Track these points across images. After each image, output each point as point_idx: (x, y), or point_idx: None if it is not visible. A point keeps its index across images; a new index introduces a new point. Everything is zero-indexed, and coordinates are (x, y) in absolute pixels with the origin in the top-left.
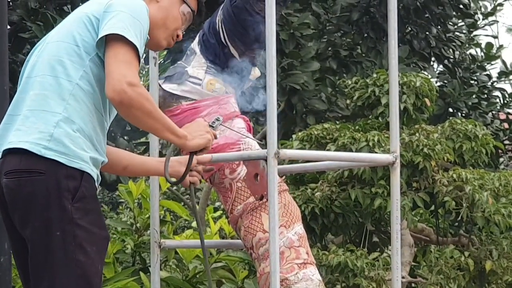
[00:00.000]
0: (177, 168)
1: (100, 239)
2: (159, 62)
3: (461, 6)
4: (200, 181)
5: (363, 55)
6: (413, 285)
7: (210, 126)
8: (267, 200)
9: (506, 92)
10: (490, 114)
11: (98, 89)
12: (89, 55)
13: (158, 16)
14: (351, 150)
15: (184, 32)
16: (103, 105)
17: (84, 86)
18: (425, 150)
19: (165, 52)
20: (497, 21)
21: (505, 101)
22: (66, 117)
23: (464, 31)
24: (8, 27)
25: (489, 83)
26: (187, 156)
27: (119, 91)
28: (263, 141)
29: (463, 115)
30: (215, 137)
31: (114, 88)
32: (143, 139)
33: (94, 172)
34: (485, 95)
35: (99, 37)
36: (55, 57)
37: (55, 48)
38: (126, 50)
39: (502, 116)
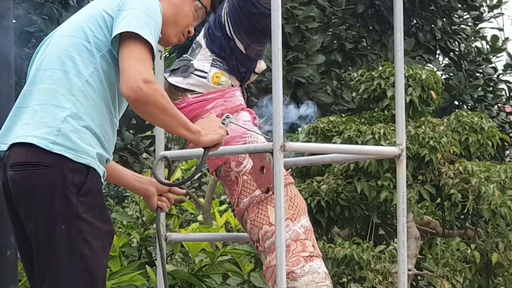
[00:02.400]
0: (146, 186)
1: (104, 233)
2: (165, 55)
3: None
4: (168, 207)
5: (368, 48)
6: (419, 277)
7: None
8: (273, 193)
9: None
10: (495, 106)
11: (107, 87)
12: (100, 52)
13: (169, 13)
14: (357, 143)
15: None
16: (113, 103)
17: (93, 83)
18: (431, 142)
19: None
20: (503, 14)
21: (511, 94)
22: (75, 113)
23: (469, 24)
24: (14, 20)
25: (495, 76)
26: (152, 179)
27: (135, 88)
28: (268, 135)
29: (469, 107)
30: (227, 133)
31: (129, 86)
32: (149, 133)
33: (101, 168)
34: (491, 88)
35: (113, 35)
36: (65, 51)
37: (65, 42)
38: (141, 47)
39: (508, 108)
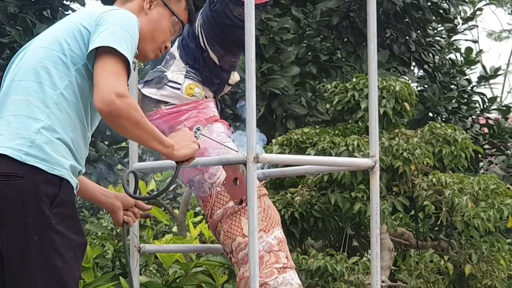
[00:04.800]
0: (112, 200)
1: (77, 245)
2: (138, 67)
3: (441, 11)
4: (134, 221)
5: (343, 59)
6: None
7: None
8: (246, 204)
9: (486, 96)
10: (470, 118)
11: (81, 100)
12: (75, 66)
13: (146, 29)
14: (330, 155)
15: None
16: (86, 116)
17: (68, 96)
18: (405, 154)
19: None
20: (477, 26)
21: (485, 106)
22: (49, 125)
23: (444, 36)
24: None
25: (469, 88)
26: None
27: (108, 102)
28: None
29: (443, 119)
30: (199, 147)
31: (102, 99)
32: (123, 144)
33: (74, 180)
34: (465, 100)
35: (90, 49)
36: (41, 63)
37: (41, 54)
38: (116, 61)
39: (482, 120)
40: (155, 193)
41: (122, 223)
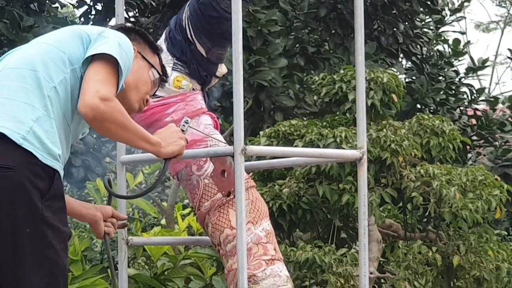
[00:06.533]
0: (92, 212)
1: (66, 236)
2: None
3: (429, 2)
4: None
5: (331, 51)
6: (382, 280)
7: (181, 130)
8: (234, 196)
9: (474, 88)
10: (458, 110)
11: (71, 100)
12: (72, 65)
13: (130, 79)
14: (318, 146)
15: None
16: (72, 117)
17: (60, 92)
18: (393, 146)
19: None
20: (465, 17)
21: (473, 97)
22: (46, 115)
23: (431, 27)
24: None
25: (457, 79)
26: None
27: (91, 106)
28: (231, 138)
29: (431, 111)
30: (187, 142)
31: (86, 103)
32: None
33: (62, 170)
34: (453, 91)
35: (88, 54)
36: (39, 55)
37: (42, 49)
38: (108, 71)
39: (470, 112)
40: (143, 188)
41: (104, 234)
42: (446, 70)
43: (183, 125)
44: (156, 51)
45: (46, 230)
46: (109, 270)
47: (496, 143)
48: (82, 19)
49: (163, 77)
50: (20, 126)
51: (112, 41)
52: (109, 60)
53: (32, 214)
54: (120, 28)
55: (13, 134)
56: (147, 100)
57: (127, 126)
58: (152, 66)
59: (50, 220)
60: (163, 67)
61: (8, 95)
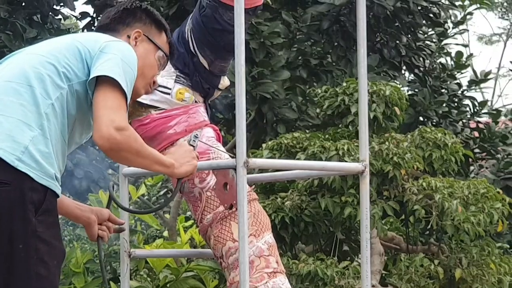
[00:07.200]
0: (87, 214)
1: (60, 252)
2: None
3: (431, 15)
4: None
5: (333, 64)
6: None
7: (190, 145)
8: (236, 209)
9: (476, 100)
10: (460, 122)
11: (67, 116)
12: (69, 81)
13: (138, 65)
14: (321, 159)
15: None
16: (69, 133)
17: (57, 108)
18: (395, 158)
19: None
20: (467, 30)
21: (475, 110)
22: (42, 135)
23: (434, 40)
24: None
25: (459, 92)
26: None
27: (107, 137)
28: (234, 151)
29: (434, 123)
30: (198, 158)
31: (102, 135)
32: None
33: (58, 188)
34: (456, 104)
35: (93, 75)
36: (35, 68)
37: (36, 60)
38: (116, 95)
39: (473, 124)
40: (146, 200)
41: (97, 237)
42: (448, 82)
43: (193, 140)
44: (163, 27)
45: (38, 245)
46: (111, 282)
47: (499, 156)
48: (85, 30)
49: (168, 56)
50: (15, 147)
51: (114, 58)
52: (115, 81)
53: (26, 230)
54: (126, 8)
55: (8, 156)
56: (154, 82)
57: (143, 153)
58: (159, 48)
59: (43, 235)
60: (170, 43)
61: (4, 112)
